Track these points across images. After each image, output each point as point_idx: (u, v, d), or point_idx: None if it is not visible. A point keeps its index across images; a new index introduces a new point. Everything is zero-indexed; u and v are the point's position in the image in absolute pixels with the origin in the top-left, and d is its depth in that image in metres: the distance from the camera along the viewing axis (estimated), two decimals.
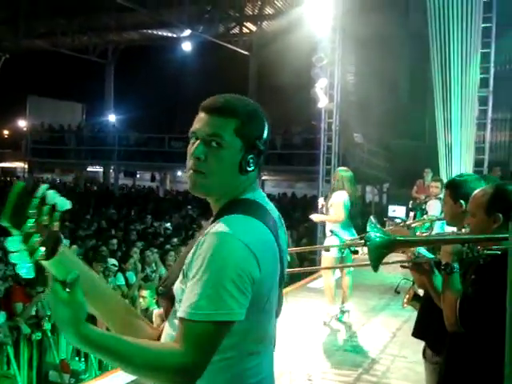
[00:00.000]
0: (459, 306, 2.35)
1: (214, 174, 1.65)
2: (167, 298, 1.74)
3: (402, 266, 2.74)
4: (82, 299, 1.45)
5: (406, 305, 3.46)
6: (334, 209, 6.97)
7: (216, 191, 1.70)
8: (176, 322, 1.60)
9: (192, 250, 1.59)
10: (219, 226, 1.56)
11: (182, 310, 1.53)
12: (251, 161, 1.67)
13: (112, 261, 8.63)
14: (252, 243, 1.54)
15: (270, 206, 1.77)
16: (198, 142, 1.66)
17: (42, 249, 1.38)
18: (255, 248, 1.54)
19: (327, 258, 6.95)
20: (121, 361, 1.48)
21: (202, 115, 1.69)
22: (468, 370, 2.46)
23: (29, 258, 1.37)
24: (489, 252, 2.34)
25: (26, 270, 1.38)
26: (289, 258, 1.95)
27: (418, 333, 3.33)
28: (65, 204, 1.43)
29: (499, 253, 2.30)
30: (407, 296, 3.38)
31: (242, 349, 1.63)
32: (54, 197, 1.41)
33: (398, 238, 2.43)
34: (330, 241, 6.90)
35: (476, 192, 2.58)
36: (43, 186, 1.41)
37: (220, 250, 1.51)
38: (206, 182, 1.66)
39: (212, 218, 1.70)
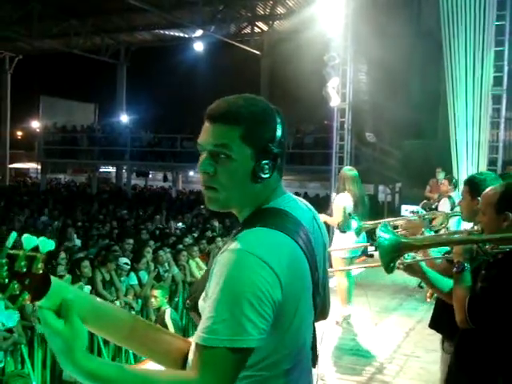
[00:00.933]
0: (468, 303, 2.39)
1: (227, 188, 1.54)
2: (196, 312, 1.65)
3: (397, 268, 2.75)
4: (78, 327, 1.37)
5: (428, 299, 3.53)
6: (334, 212, 6.96)
7: (233, 204, 1.60)
8: None
9: (212, 267, 1.49)
10: (237, 243, 1.44)
11: (196, 334, 1.42)
12: (266, 167, 1.53)
13: (124, 259, 8.66)
14: (273, 260, 1.42)
15: (300, 210, 1.65)
16: (205, 155, 1.55)
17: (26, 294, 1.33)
18: (277, 265, 1.42)
19: (338, 260, 6.95)
20: None
21: (206, 124, 1.56)
22: (477, 363, 2.49)
23: (10, 305, 1.34)
24: (498, 250, 2.39)
25: (4, 319, 1.36)
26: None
27: (434, 324, 3.38)
28: (47, 244, 1.36)
29: (508, 249, 2.36)
30: (430, 291, 3.44)
31: (267, 368, 1.52)
32: (30, 241, 1.34)
33: (407, 241, 2.43)
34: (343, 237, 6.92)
35: (487, 190, 2.63)
36: (13, 234, 1.37)
37: (236, 270, 1.39)
38: (220, 197, 1.56)
39: (235, 231, 1.60)
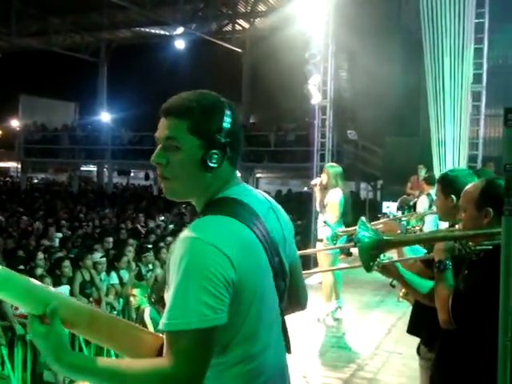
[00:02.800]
0: (452, 302, 2.34)
1: (178, 177, 1.65)
2: (162, 305, 1.76)
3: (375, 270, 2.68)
4: (59, 330, 1.49)
5: (401, 298, 3.48)
6: (329, 208, 6.96)
7: (186, 194, 1.71)
8: None
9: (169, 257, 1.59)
10: (186, 231, 1.54)
11: (161, 321, 1.51)
12: (214, 156, 1.62)
13: (98, 255, 8.62)
14: (222, 243, 1.51)
15: (255, 199, 1.73)
16: (159, 147, 1.66)
17: None
18: (226, 247, 1.51)
19: (323, 256, 6.96)
20: (108, 382, 1.51)
21: (161, 119, 1.68)
22: (460, 364, 2.45)
23: None
24: (480, 247, 2.35)
25: None
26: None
27: (412, 329, 3.33)
28: None
29: (491, 247, 2.31)
30: (403, 290, 3.37)
31: (233, 353, 1.59)
32: None
33: (387, 238, 2.42)
34: (323, 231, 6.95)
35: (467, 187, 2.58)
36: None
37: (186, 256, 1.48)
38: (173, 186, 1.67)
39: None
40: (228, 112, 1.66)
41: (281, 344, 1.76)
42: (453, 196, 2.89)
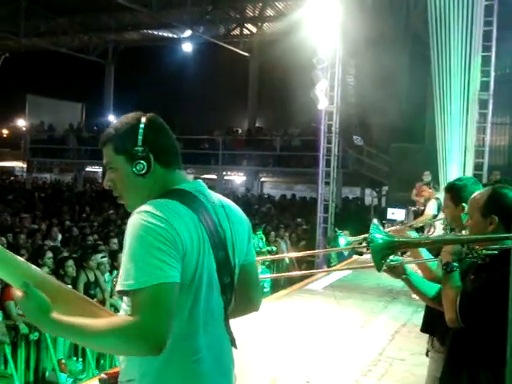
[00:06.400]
0: (459, 302, 2.42)
1: (125, 191, 1.97)
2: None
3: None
4: (37, 296, 1.65)
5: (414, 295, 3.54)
6: None
7: (137, 201, 1.91)
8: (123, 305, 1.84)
9: None
10: (137, 209, 1.78)
11: (120, 283, 1.68)
12: (140, 165, 1.90)
13: (100, 255, 8.60)
14: (168, 216, 1.74)
15: (207, 195, 1.95)
16: (107, 173, 1.98)
17: None
18: (172, 220, 1.74)
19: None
20: (87, 340, 1.70)
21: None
22: (468, 363, 2.52)
23: None
24: (487, 252, 2.42)
25: None
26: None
27: (426, 328, 3.36)
28: None
29: (496, 253, 2.39)
30: None
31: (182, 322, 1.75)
32: None
33: (401, 240, 2.49)
34: None
35: (474, 195, 2.67)
36: None
37: (141, 225, 1.71)
38: (126, 200, 1.99)
39: None
40: (142, 126, 1.92)
41: (221, 333, 1.92)
42: (464, 204, 2.94)
